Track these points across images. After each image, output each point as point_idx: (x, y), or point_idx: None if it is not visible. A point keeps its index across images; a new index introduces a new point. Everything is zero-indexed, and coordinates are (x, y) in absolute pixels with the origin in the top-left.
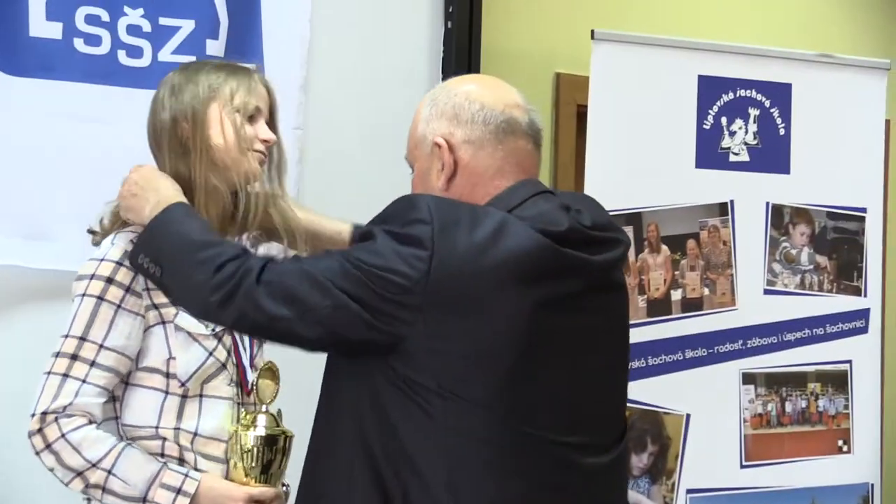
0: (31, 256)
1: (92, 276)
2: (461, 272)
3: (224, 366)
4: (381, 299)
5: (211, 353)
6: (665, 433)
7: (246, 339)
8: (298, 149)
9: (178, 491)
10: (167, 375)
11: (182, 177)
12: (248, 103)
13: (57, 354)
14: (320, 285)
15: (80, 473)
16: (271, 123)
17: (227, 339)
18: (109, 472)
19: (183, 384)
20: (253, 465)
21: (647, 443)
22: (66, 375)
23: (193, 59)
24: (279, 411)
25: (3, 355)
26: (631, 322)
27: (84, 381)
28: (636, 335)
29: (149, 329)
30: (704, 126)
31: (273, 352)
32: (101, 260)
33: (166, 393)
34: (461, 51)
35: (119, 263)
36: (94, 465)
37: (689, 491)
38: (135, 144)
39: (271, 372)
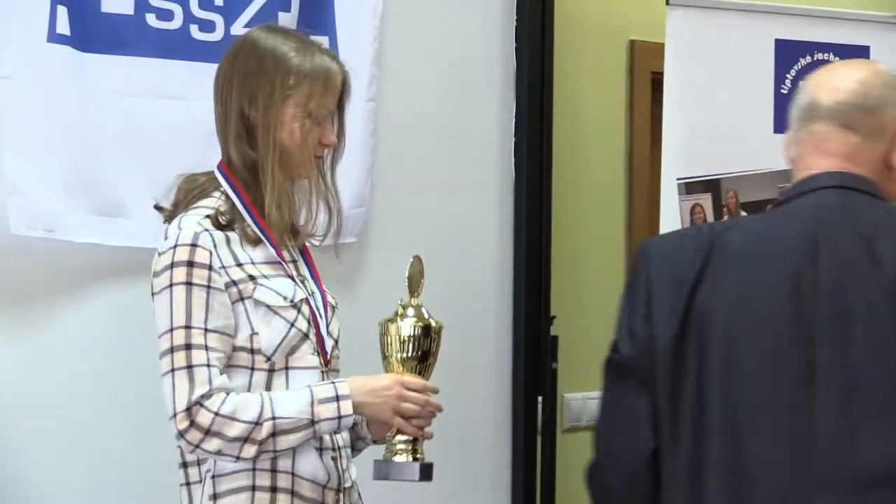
0: (106, 233)
1: (172, 265)
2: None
3: (306, 335)
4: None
5: (292, 325)
6: None
7: (321, 306)
8: (372, 121)
9: (337, 398)
10: (252, 352)
11: (246, 161)
12: (321, 108)
13: (171, 350)
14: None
15: (247, 438)
16: (342, 108)
17: (306, 309)
18: (273, 418)
19: (269, 358)
20: (409, 354)
21: None
22: (190, 367)
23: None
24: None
25: (80, 332)
26: None
27: (209, 366)
28: None
29: (232, 306)
30: (782, 90)
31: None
32: (175, 246)
33: (252, 369)
34: (534, 18)
35: (193, 245)
36: (258, 424)
37: None
38: (207, 118)
39: (420, 263)
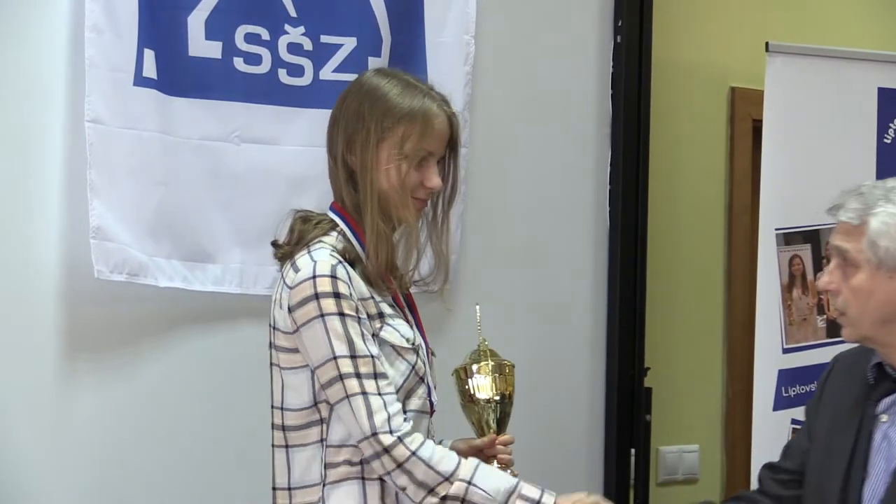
0: (191, 278)
1: (316, 296)
2: None
3: (422, 379)
4: None
5: (413, 367)
6: None
7: (425, 355)
8: (463, 167)
9: (538, 502)
10: None
11: (354, 204)
12: (417, 151)
13: (340, 378)
14: None
15: (432, 489)
16: (453, 153)
17: (423, 354)
18: (469, 482)
19: None
20: (491, 396)
21: None
22: (364, 392)
23: (354, 77)
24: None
25: (164, 376)
26: (809, 343)
27: (380, 394)
28: (815, 356)
29: None
30: (885, 140)
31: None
32: (314, 277)
33: None
34: (631, 66)
35: (333, 276)
36: (448, 479)
37: None
38: (295, 163)
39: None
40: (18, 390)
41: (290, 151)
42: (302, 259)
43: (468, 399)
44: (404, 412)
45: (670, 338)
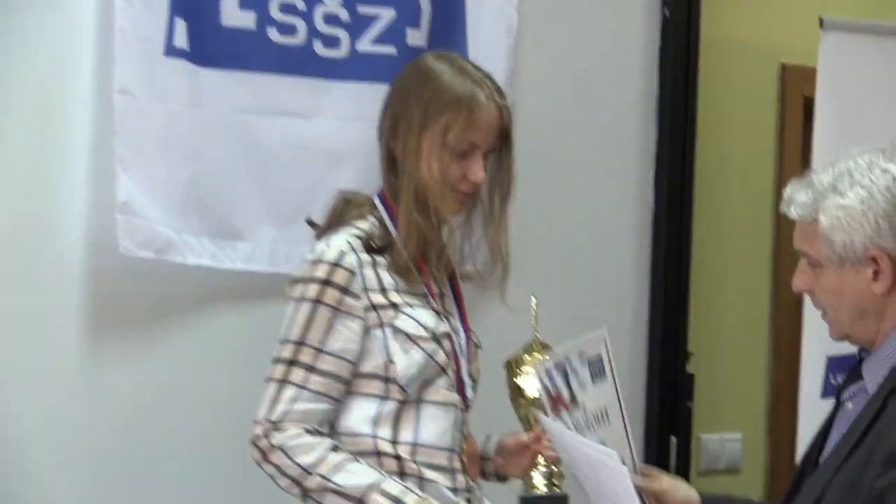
0: (220, 256)
1: (309, 280)
2: None
3: (444, 370)
4: None
5: (431, 356)
6: None
7: (464, 345)
8: None
9: (396, 500)
10: (386, 381)
11: (389, 190)
12: (461, 142)
13: (276, 361)
14: None
15: (297, 481)
16: (506, 146)
17: (447, 343)
18: (325, 477)
19: (403, 388)
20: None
21: None
22: (283, 381)
23: (394, 50)
24: None
25: (192, 354)
26: None
27: (302, 387)
28: None
29: (368, 331)
30: None
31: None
32: (318, 262)
33: (385, 398)
34: (679, 42)
35: (335, 264)
36: (308, 472)
37: None
38: (330, 138)
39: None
40: (43, 367)
41: (325, 126)
42: (320, 243)
43: (517, 393)
44: (419, 402)
45: (715, 322)
